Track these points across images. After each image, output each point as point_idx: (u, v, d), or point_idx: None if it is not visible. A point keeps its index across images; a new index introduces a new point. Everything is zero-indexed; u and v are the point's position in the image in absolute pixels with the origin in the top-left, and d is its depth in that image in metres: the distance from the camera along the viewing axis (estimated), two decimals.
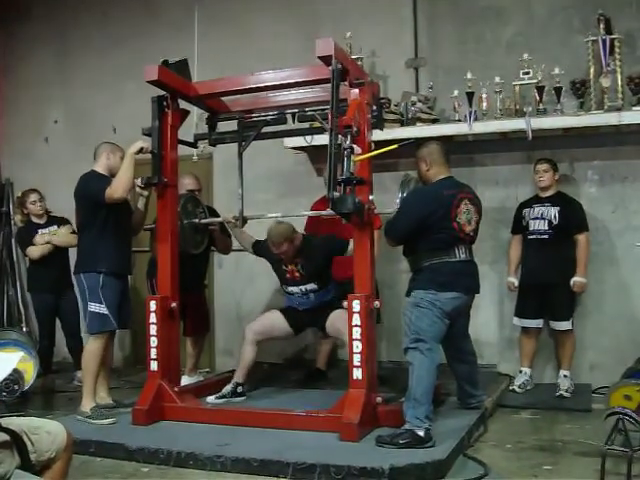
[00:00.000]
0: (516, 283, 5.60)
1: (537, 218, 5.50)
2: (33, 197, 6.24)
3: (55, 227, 6.25)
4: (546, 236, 5.46)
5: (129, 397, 5.18)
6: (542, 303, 5.47)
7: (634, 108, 5.33)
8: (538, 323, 5.52)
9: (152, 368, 4.80)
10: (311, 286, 5.21)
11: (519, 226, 5.66)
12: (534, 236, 5.52)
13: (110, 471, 3.98)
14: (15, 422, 2.47)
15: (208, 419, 4.63)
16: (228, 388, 5.18)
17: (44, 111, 8.00)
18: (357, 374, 4.26)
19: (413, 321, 4.22)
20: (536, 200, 5.60)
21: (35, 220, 6.28)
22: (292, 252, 5.13)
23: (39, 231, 6.17)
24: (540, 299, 5.46)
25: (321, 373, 5.96)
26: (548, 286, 5.40)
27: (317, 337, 6.02)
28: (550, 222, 5.44)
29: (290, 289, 5.30)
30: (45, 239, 6.12)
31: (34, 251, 6.10)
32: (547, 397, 5.34)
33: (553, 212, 5.45)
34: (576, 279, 5.35)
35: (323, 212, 5.15)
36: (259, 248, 5.44)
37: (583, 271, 5.38)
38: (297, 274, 5.22)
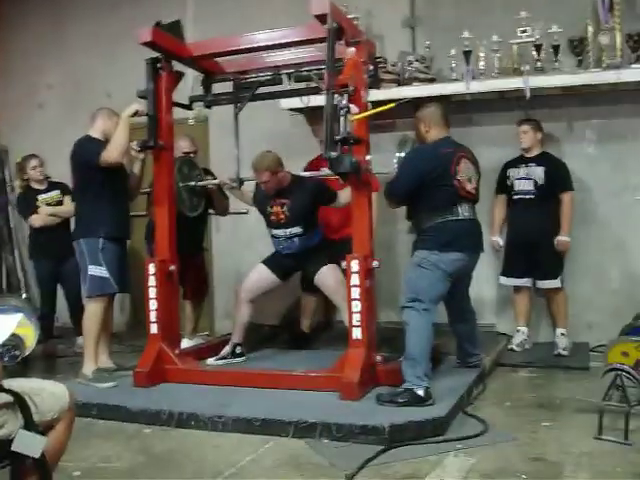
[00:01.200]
0: (501, 242, 5.64)
1: (522, 178, 5.51)
2: (33, 162, 6.17)
3: (57, 192, 6.20)
4: (531, 196, 5.47)
5: (130, 361, 5.19)
6: (529, 262, 5.48)
7: (633, 66, 5.29)
8: (525, 282, 5.55)
9: (152, 331, 4.82)
10: (295, 230, 5.12)
11: (504, 186, 5.66)
12: (519, 196, 5.53)
13: (113, 432, 4.02)
14: (18, 384, 2.48)
15: (209, 380, 4.66)
16: (227, 349, 5.22)
17: (39, 79, 7.92)
18: (357, 333, 4.28)
19: (413, 280, 4.23)
20: (521, 160, 5.59)
21: (35, 186, 6.21)
22: (273, 185, 5.03)
23: (39, 197, 6.13)
24: (527, 258, 5.48)
25: (305, 337, 5.88)
26: (535, 245, 5.42)
27: (302, 294, 5.91)
28: (535, 182, 5.45)
29: (275, 232, 5.22)
30: (49, 211, 6.07)
31: (36, 220, 6.05)
32: (545, 355, 5.37)
33: (538, 172, 5.45)
34: (560, 238, 5.38)
35: (321, 172, 5.12)
36: (254, 195, 5.37)
37: (567, 230, 5.40)
38: (282, 216, 5.12)
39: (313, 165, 5.65)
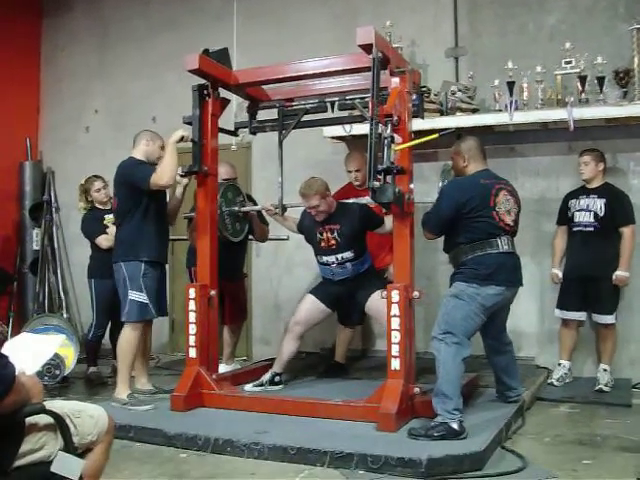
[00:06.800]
0: (560, 275, 5.53)
1: (583, 210, 5.41)
2: (97, 185, 6.10)
3: None
4: (591, 228, 5.37)
5: (168, 384, 5.23)
6: (585, 296, 5.38)
7: None
8: (580, 315, 5.45)
9: (191, 355, 4.83)
10: (347, 254, 5.06)
11: (564, 217, 5.56)
12: (579, 228, 5.43)
13: (149, 456, 4.03)
14: (58, 405, 2.50)
15: (246, 406, 4.65)
16: (266, 377, 5.17)
17: (85, 101, 8.09)
18: (395, 364, 4.24)
19: (448, 311, 4.18)
20: (582, 191, 5.49)
21: (99, 207, 6.16)
22: (323, 210, 5.00)
23: (106, 217, 6.04)
24: (583, 292, 5.38)
25: (340, 366, 5.79)
26: (592, 279, 5.31)
27: (338, 325, 5.82)
28: (596, 214, 5.35)
29: (325, 258, 5.15)
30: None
31: (105, 240, 5.89)
32: (586, 391, 5.27)
33: (599, 204, 5.35)
34: (618, 273, 5.26)
35: (363, 199, 5.11)
36: (300, 223, 5.36)
37: (626, 265, 5.28)
38: (333, 242, 5.07)
39: (341, 194, 5.63)
